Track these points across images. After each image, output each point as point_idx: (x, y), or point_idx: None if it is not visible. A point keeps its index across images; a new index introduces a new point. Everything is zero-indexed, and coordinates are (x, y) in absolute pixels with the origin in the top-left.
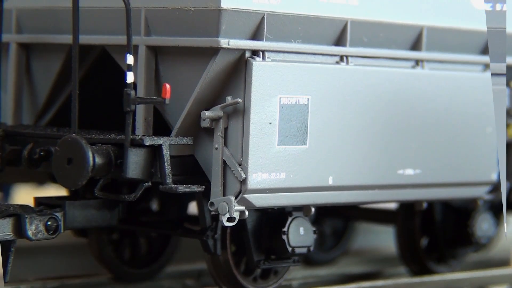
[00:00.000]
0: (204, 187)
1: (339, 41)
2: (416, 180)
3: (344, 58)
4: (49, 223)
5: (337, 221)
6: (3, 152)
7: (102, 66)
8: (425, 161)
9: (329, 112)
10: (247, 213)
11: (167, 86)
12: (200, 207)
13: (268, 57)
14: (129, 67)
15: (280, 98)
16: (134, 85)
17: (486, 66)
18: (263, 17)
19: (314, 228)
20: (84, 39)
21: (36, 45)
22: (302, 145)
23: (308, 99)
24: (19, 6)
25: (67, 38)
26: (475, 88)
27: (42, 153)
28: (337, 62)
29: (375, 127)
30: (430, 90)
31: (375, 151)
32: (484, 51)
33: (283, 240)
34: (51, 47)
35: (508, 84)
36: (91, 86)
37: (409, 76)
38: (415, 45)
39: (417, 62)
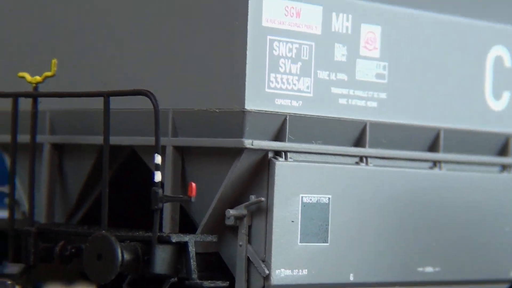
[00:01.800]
0: (228, 282)
1: (359, 142)
2: (436, 277)
3: (364, 159)
4: None
5: None
6: (36, 249)
7: (131, 166)
8: (444, 259)
9: (350, 210)
10: None
11: (193, 185)
12: None
13: (290, 158)
14: (157, 167)
15: (302, 197)
16: (162, 184)
17: (504, 167)
18: (285, 119)
19: None
20: (114, 140)
21: (68, 145)
22: (323, 242)
23: (329, 198)
24: (52, 108)
25: (98, 139)
26: (492, 189)
27: (73, 250)
28: (356, 163)
29: (395, 226)
30: (448, 190)
31: (395, 249)
32: (501, 152)
33: None
34: (82, 148)
35: None
36: (121, 185)
37: (427, 177)
38: (433, 147)
39: (435, 163)
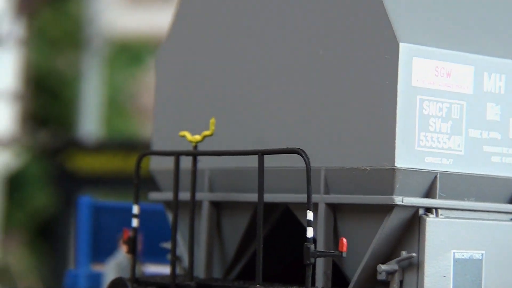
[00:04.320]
0: None
1: None
2: None
3: None
4: None
5: None
6: None
7: (286, 222)
8: None
9: (505, 267)
10: None
11: (344, 240)
12: None
13: (441, 214)
14: (309, 223)
15: (454, 253)
16: (314, 239)
17: None
18: (435, 177)
19: None
20: (269, 197)
21: (226, 203)
22: None
23: (482, 254)
24: (211, 167)
25: (254, 197)
26: None
27: None
28: (511, 220)
29: None
30: None
31: None
32: None
33: None
34: (239, 205)
35: None
36: (276, 241)
37: None
38: None
39: None
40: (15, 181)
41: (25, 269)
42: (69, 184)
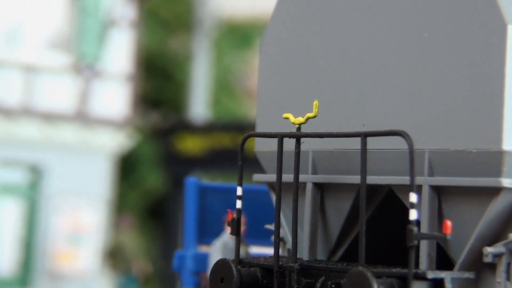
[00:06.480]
0: None
1: None
2: None
3: None
4: None
5: None
6: (299, 285)
7: (389, 204)
8: None
9: None
10: None
11: (448, 223)
12: None
13: None
14: (412, 205)
15: None
16: (418, 222)
17: None
18: None
19: None
20: (372, 179)
21: (329, 184)
22: None
23: None
24: (314, 148)
25: (357, 179)
26: None
27: (333, 286)
28: None
29: None
30: None
31: None
32: None
33: None
34: (342, 187)
35: None
36: (379, 224)
37: None
38: None
39: None
40: (128, 162)
41: (137, 250)
42: (178, 165)
